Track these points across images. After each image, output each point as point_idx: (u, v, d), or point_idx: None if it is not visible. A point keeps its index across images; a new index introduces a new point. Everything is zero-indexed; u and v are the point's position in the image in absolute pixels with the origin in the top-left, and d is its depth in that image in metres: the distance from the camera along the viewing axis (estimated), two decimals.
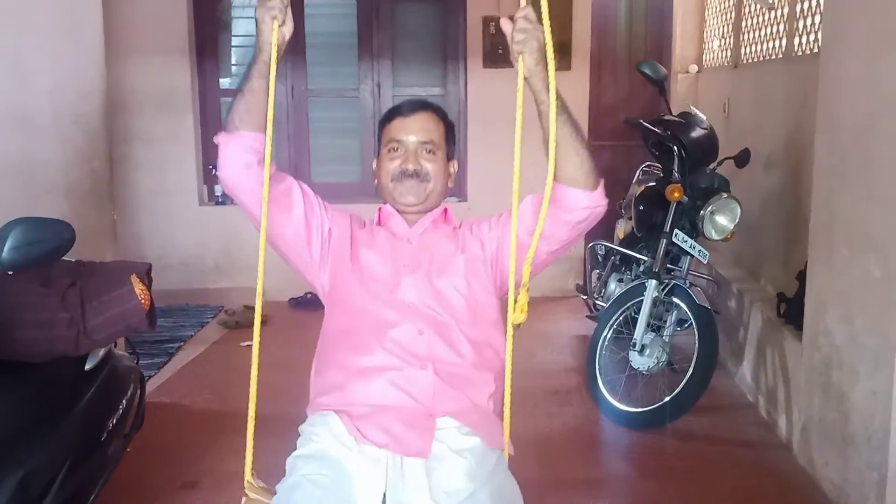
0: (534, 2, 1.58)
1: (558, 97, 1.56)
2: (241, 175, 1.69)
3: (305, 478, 1.57)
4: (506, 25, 1.58)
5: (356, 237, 1.83)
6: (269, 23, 1.61)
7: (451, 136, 1.93)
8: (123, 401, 2.40)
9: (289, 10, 1.63)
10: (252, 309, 5.10)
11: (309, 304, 5.43)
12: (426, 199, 1.86)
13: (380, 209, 1.92)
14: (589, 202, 1.66)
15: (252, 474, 1.70)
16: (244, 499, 1.67)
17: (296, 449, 1.68)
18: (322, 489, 1.53)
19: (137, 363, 2.81)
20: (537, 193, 1.63)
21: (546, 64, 1.56)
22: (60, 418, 2.07)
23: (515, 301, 1.60)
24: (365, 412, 1.64)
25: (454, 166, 1.93)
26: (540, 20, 1.55)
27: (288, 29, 1.64)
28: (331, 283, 1.81)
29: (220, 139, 1.70)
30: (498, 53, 5.28)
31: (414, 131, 1.85)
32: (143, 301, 2.10)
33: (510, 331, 1.64)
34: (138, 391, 2.57)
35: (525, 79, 1.58)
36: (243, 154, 1.67)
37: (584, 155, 1.62)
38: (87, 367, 2.25)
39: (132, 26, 5.25)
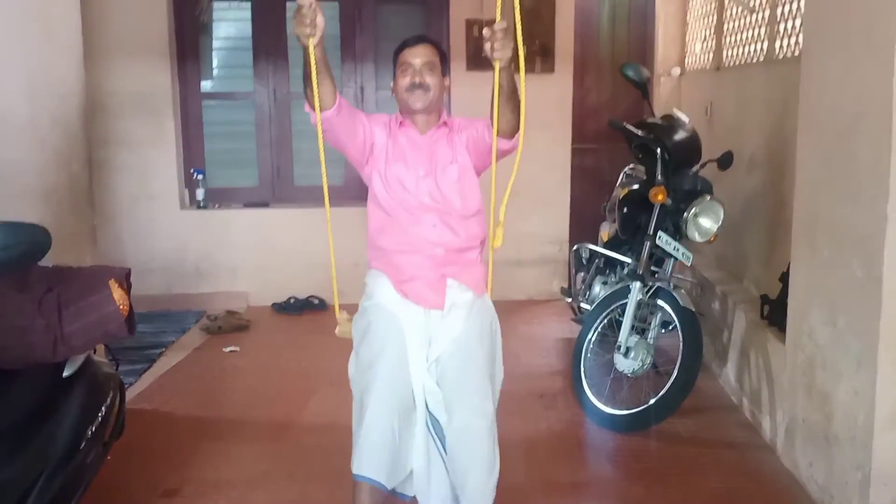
0: (509, 10, 2.11)
1: (514, 72, 2.23)
2: (330, 127, 2.44)
3: (369, 319, 2.43)
4: (486, 34, 2.19)
5: (388, 151, 2.50)
6: (305, 40, 2.18)
7: (445, 60, 2.60)
8: (102, 408, 2.36)
9: (318, 13, 2.15)
10: (234, 314, 5.09)
11: (292, 308, 5.40)
12: (429, 104, 2.51)
13: (398, 116, 2.57)
14: (506, 146, 2.42)
15: (339, 310, 2.56)
16: (337, 327, 2.56)
17: (364, 298, 2.52)
18: (384, 331, 2.37)
19: (117, 370, 2.77)
20: (487, 121, 2.41)
21: (517, 64, 2.16)
22: (37, 426, 2.03)
23: (493, 234, 2.39)
24: (404, 277, 2.44)
25: (448, 80, 2.59)
26: (513, 29, 2.09)
27: (320, 29, 2.18)
28: (371, 180, 2.52)
29: (311, 114, 2.40)
30: (481, 56, 5.25)
31: (418, 55, 2.50)
32: (121, 307, 2.06)
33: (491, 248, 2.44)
34: (118, 398, 2.53)
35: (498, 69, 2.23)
36: (326, 122, 2.41)
37: (509, 118, 2.34)
38: (65, 374, 2.21)
39: (112, 28, 5.20)
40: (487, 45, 2.19)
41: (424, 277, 2.45)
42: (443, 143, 2.55)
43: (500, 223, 2.37)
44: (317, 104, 2.30)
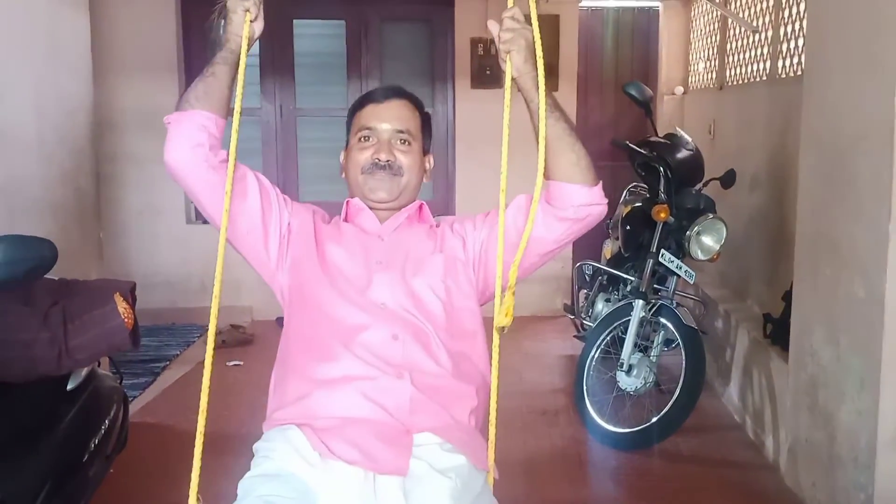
0: (522, 5, 1.58)
1: (549, 95, 1.54)
2: (188, 154, 1.54)
3: (262, 499, 1.38)
4: (493, 26, 1.56)
5: (320, 231, 1.67)
6: (240, 14, 1.56)
7: (428, 128, 1.79)
8: (106, 421, 2.37)
9: (261, 7, 1.58)
10: (238, 328, 5.10)
11: None
12: (399, 194, 1.70)
13: (347, 202, 1.75)
14: (587, 199, 1.57)
15: (198, 499, 1.57)
16: None
17: (250, 469, 1.50)
18: None
19: (121, 383, 2.78)
20: (529, 193, 1.57)
21: (535, 63, 1.54)
22: (40, 439, 2.04)
23: (501, 303, 1.52)
24: (331, 425, 1.46)
25: (430, 161, 1.79)
26: (528, 21, 1.54)
27: (258, 25, 1.59)
28: (291, 284, 1.64)
29: (172, 118, 1.57)
30: (486, 74, 5.32)
31: (388, 119, 1.70)
32: (126, 320, 2.08)
33: (496, 340, 1.54)
34: (121, 411, 2.54)
35: (514, 80, 1.56)
36: (195, 133, 1.54)
37: (579, 151, 1.57)
38: (69, 386, 2.22)
39: (120, 45, 5.26)
40: (497, 39, 1.56)
41: (371, 422, 1.47)
42: (418, 235, 1.70)
43: (511, 287, 1.53)
44: (238, 106, 1.53)
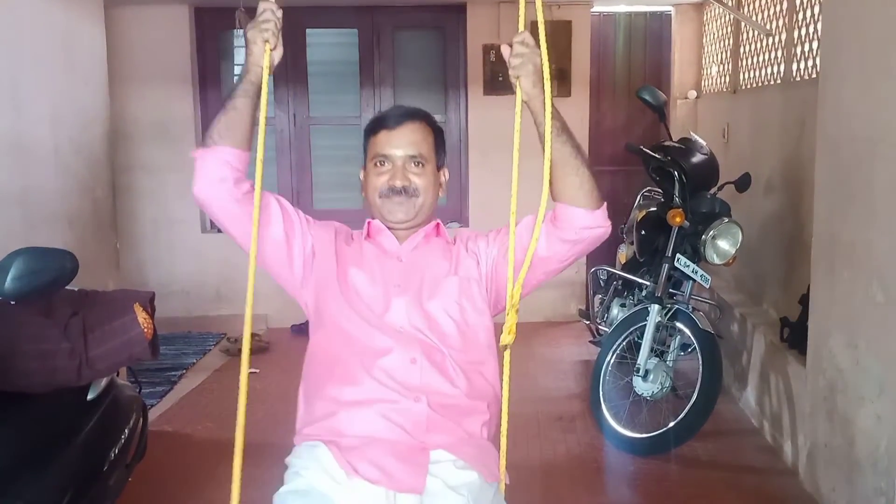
0: (533, 27, 1.62)
1: (558, 118, 1.60)
2: (213, 188, 1.64)
3: None
4: (504, 50, 1.62)
5: (342, 255, 1.77)
6: (260, 45, 1.62)
7: (441, 144, 1.87)
8: (125, 430, 2.39)
9: (280, 35, 1.64)
10: (255, 336, 5.12)
11: None
12: (416, 214, 1.80)
13: (368, 223, 1.85)
14: (589, 222, 1.64)
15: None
16: None
17: (283, 483, 1.62)
18: None
19: (140, 392, 2.80)
20: (526, 220, 1.68)
21: (543, 87, 1.60)
22: (61, 449, 2.06)
23: (506, 322, 1.62)
24: (355, 444, 1.60)
25: (445, 174, 1.87)
26: (538, 44, 1.59)
27: (278, 54, 1.65)
28: (315, 303, 1.75)
29: (198, 153, 1.67)
30: (498, 81, 5.32)
31: (401, 145, 1.78)
32: (145, 330, 2.09)
33: (507, 358, 1.65)
34: (140, 421, 2.55)
35: (525, 102, 1.62)
36: (220, 168, 1.64)
37: (584, 175, 1.63)
38: (89, 397, 2.24)
39: (135, 56, 5.30)
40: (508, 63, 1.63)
41: (391, 441, 1.60)
42: (435, 254, 1.79)
43: (514, 306, 1.63)
44: (261, 137, 1.64)
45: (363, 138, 1.87)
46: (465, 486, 1.57)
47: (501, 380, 1.69)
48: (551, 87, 1.60)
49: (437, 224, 1.85)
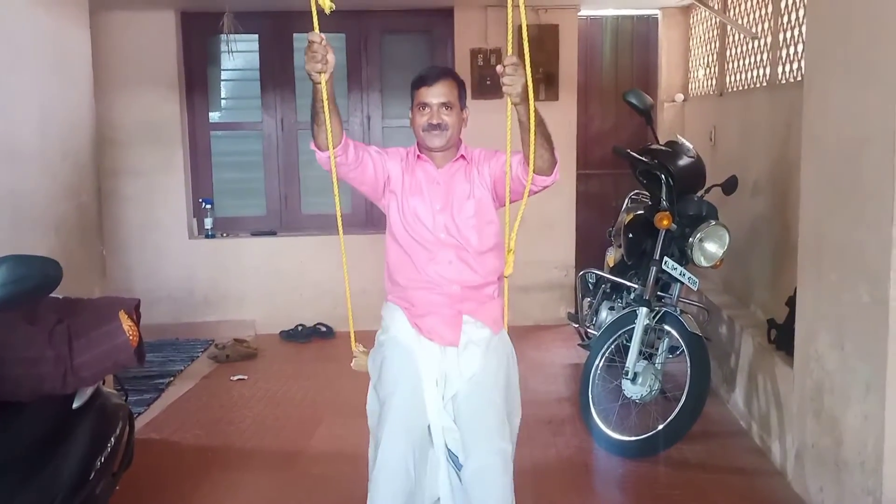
0: (518, 32, 2.02)
1: (536, 112, 2.20)
2: (329, 167, 2.44)
3: (390, 354, 2.46)
4: (499, 69, 2.15)
5: (405, 184, 2.53)
6: (316, 76, 2.22)
7: (463, 92, 2.57)
8: (112, 439, 2.36)
9: (329, 50, 2.21)
10: (242, 342, 5.10)
11: (300, 336, 5.40)
12: (447, 141, 2.51)
13: (415, 149, 2.58)
14: (547, 182, 2.41)
15: (355, 343, 2.60)
16: (353, 360, 2.58)
17: (380, 329, 2.57)
18: (399, 367, 2.41)
19: (126, 400, 2.78)
20: (519, 155, 2.37)
21: (528, 103, 2.16)
22: (46, 458, 2.04)
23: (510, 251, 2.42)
24: (420, 312, 2.47)
25: (466, 112, 2.57)
26: (523, 62, 2.05)
27: (332, 61, 2.23)
28: (389, 211, 2.55)
29: (316, 152, 2.44)
30: (486, 84, 5.33)
31: (436, 95, 2.48)
32: (131, 338, 2.08)
33: (506, 285, 2.53)
34: (127, 429, 2.53)
35: (514, 106, 2.23)
36: (329, 160, 2.42)
37: (545, 155, 2.32)
38: (75, 405, 2.22)
39: (122, 60, 5.28)
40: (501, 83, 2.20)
41: (440, 314, 2.46)
42: (460, 176, 2.55)
43: (511, 250, 2.41)
44: (330, 141, 2.32)
45: (410, 90, 2.56)
46: (482, 340, 2.46)
47: (504, 261, 2.46)
48: (537, 92, 1.91)
49: (462, 155, 2.57)
